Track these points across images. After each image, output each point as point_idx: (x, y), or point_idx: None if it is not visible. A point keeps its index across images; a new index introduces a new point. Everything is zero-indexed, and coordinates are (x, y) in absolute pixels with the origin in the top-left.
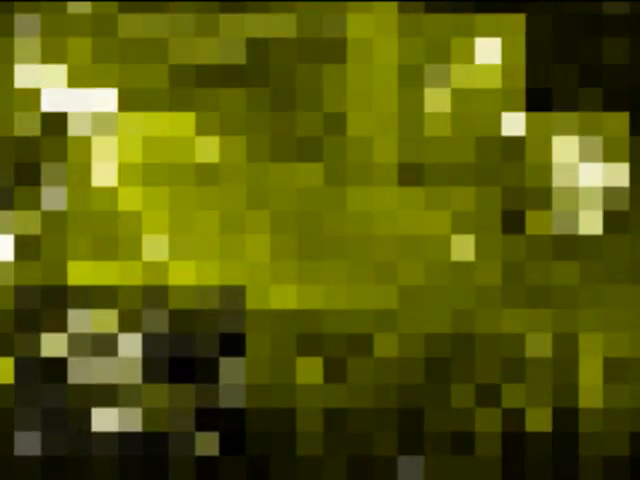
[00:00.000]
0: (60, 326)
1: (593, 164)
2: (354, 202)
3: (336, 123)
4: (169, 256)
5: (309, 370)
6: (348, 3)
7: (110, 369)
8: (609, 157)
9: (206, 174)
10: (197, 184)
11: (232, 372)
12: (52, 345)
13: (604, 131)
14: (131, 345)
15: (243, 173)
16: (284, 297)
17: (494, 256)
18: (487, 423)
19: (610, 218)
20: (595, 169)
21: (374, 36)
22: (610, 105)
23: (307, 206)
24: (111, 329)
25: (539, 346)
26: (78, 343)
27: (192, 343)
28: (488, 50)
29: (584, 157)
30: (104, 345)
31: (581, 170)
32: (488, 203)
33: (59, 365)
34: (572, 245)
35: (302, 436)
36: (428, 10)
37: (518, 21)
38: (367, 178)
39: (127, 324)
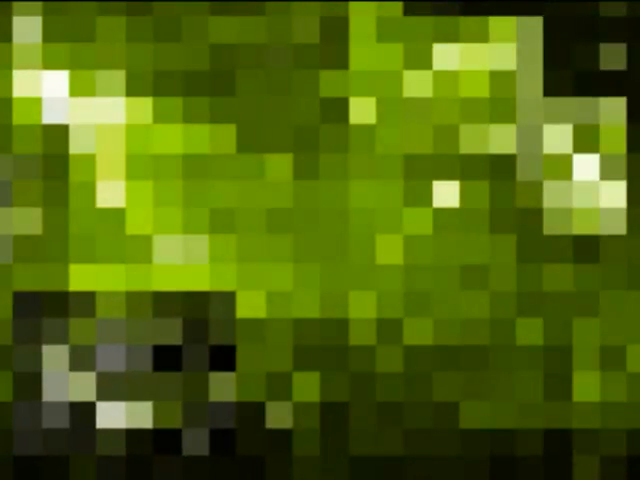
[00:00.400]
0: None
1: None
2: (357, 200)
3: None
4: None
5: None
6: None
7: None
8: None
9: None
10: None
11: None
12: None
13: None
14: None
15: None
16: (279, 304)
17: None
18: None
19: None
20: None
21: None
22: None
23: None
24: (91, 341)
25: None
26: (55, 356)
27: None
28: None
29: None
30: (83, 358)
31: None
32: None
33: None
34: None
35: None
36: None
37: (508, 25)
38: (371, 174)
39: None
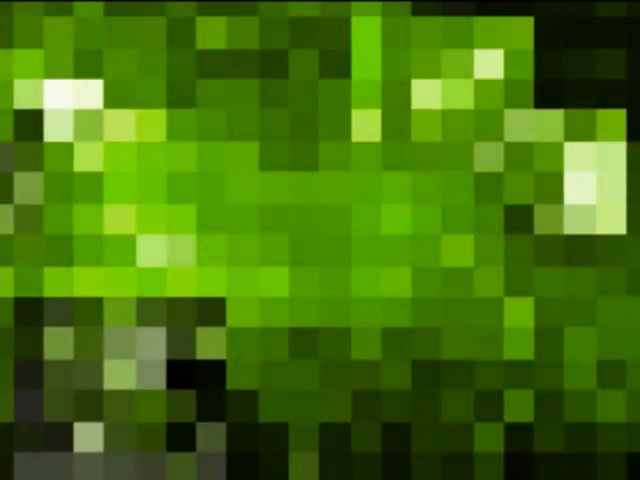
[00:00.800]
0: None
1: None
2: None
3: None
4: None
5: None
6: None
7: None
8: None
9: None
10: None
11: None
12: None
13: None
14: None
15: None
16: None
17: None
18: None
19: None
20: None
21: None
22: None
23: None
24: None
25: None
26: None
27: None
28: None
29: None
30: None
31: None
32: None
33: None
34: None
35: None
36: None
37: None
38: (376, 171)
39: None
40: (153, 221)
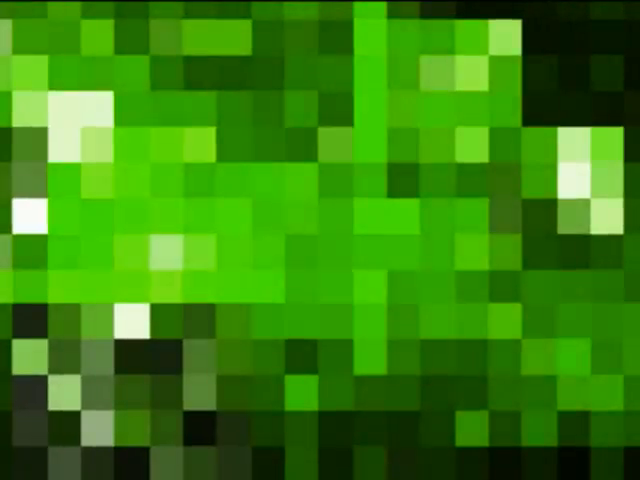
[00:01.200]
0: None
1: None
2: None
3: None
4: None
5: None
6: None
7: None
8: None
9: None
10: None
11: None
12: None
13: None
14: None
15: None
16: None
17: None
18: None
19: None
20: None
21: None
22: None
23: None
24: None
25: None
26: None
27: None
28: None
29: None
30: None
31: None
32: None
33: None
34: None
35: None
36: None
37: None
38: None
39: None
40: (135, 220)
